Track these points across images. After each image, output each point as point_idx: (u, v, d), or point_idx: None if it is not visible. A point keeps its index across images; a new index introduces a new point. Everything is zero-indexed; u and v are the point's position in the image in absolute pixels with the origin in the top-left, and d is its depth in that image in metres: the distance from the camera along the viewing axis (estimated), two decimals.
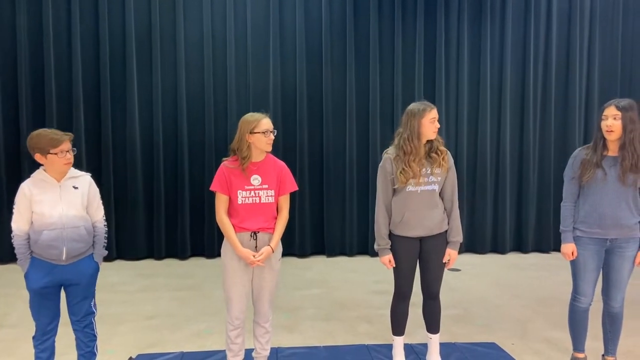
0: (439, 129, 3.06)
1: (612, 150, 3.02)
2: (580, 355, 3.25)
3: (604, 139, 3.03)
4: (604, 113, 3.00)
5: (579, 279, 3.13)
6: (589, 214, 3.06)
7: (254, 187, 2.91)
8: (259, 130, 2.84)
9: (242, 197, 2.89)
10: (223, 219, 2.90)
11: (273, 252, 2.91)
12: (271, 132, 2.89)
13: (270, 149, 2.92)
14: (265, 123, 2.87)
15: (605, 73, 6.82)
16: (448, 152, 3.13)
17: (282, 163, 3.04)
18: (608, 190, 3.01)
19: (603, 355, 3.29)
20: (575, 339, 3.24)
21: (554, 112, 6.74)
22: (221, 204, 2.92)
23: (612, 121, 2.94)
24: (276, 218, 2.97)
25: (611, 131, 2.95)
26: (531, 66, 6.63)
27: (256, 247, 2.89)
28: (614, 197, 3.00)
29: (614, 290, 3.11)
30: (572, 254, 3.11)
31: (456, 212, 3.12)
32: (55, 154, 2.71)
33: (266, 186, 2.92)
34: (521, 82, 6.70)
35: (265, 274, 2.94)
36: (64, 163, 2.75)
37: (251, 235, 2.89)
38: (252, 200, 2.90)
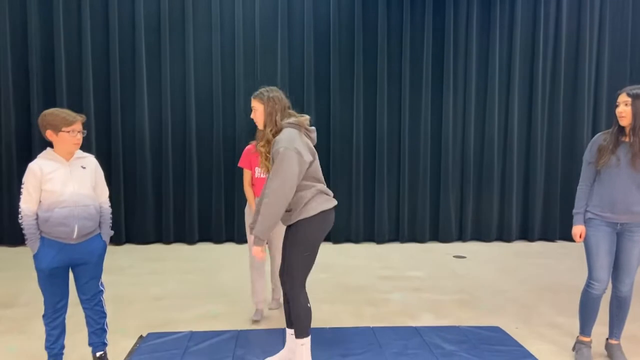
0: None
1: (628, 135, 3.07)
2: (586, 339, 3.28)
3: (620, 126, 3.09)
4: (617, 100, 3.08)
5: (593, 263, 3.16)
6: (602, 198, 3.14)
7: None
8: None
9: (258, 171, 3.79)
10: (247, 189, 3.84)
11: None
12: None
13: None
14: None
15: (614, 61, 6.77)
16: None
17: None
18: (621, 175, 3.07)
19: (607, 339, 3.32)
20: (583, 324, 3.28)
21: (562, 101, 6.71)
22: (246, 177, 3.85)
23: (623, 107, 3.03)
24: None
25: (622, 117, 3.03)
26: (540, 56, 6.59)
27: None
28: (627, 182, 3.05)
29: (622, 273, 3.14)
30: (580, 236, 3.18)
31: None
32: (68, 132, 2.76)
33: None
34: (529, 72, 6.67)
35: (277, 231, 3.77)
36: (73, 142, 2.79)
37: None
38: (265, 174, 3.67)
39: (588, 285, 3.20)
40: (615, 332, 3.26)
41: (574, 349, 3.35)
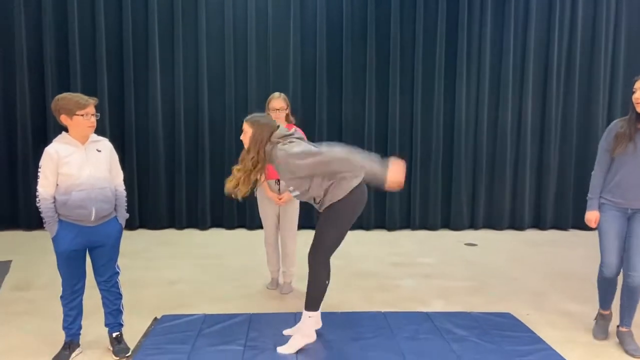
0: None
1: None
2: (606, 312, 3.42)
3: (637, 113, 3.08)
4: (634, 86, 3.07)
5: (603, 247, 3.26)
6: (616, 185, 3.19)
7: None
8: (271, 107, 3.95)
9: None
10: None
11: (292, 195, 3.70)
12: (278, 109, 3.91)
13: (281, 122, 3.76)
14: (275, 103, 3.94)
15: (631, 48, 6.65)
16: None
17: (299, 129, 3.67)
18: (637, 162, 3.09)
19: (618, 326, 3.33)
20: (601, 299, 3.42)
21: (577, 89, 6.62)
22: None
23: (639, 94, 3.02)
24: None
25: (639, 103, 3.04)
26: (555, 43, 6.47)
27: (279, 190, 3.98)
28: (639, 169, 3.08)
29: (634, 257, 3.14)
30: (595, 222, 3.26)
31: None
32: (82, 115, 2.79)
33: None
34: (544, 60, 6.56)
35: (287, 211, 4.03)
36: (88, 126, 2.83)
37: (276, 182, 3.97)
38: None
39: (600, 268, 3.30)
40: (625, 320, 3.28)
41: (595, 322, 3.48)
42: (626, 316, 3.27)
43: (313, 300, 3.01)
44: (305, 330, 3.06)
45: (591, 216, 3.28)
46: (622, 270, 3.23)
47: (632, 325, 3.28)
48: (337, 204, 2.96)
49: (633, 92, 3.06)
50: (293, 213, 4.07)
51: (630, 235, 3.18)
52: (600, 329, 3.41)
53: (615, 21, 6.59)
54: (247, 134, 2.98)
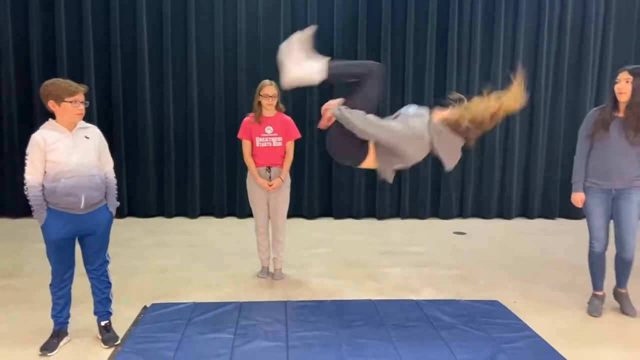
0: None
1: (622, 111, 3.35)
2: (599, 293, 3.64)
3: (616, 101, 3.37)
4: (618, 77, 3.34)
5: (591, 225, 3.55)
6: (597, 168, 3.47)
7: (268, 135, 3.97)
8: (262, 94, 3.90)
9: (259, 142, 3.98)
10: (247, 159, 4.03)
11: (282, 181, 4.00)
12: (270, 96, 3.89)
13: (271, 109, 3.96)
14: (267, 90, 3.89)
15: (620, 40, 6.68)
16: None
17: (289, 117, 4.08)
18: (614, 147, 3.37)
19: (616, 287, 3.63)
20: (594, 280, 3.64)
21: (566, 80, 6.65)
22: (246, 147, 4.01)
23: (624, 84, 3.29)
24: (284, 157, 4.03)
25: (622, 93, 3.30)
26: (545, 35, 6.50)
27: (270, 177, 4.00)
28: (619, 153, 3.35)
29: (625, 235, 3.44)
30: (581, 202, 3.54)
31: None
32: (70, 102, 2.75)
33: (276, 134, 3.99)
34: (534, 52, 6.58)
35: (277, 197, 4.06)
36: (76, 113, 2.79)
37: (266, 169, 4.00)
38: (266, 144, 3.98)
39: (590, 245, 3.58)
40: (622, 282, 3.60)
41: (589, 302, 3.65)
42: (622, 278, 3.59)
43: None
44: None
45: (577, 197, 3.56)
46: (616, 249, 3.53)
47: (628, 286, 3.61)
48: None
49: (615, 83, 3.32)
50: (283, 200, 4.10)
51: (617, 213, 3.45)
52: (595, 307, 3.58)
53: (605, 14, 6.61)
54: None
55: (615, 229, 3.50)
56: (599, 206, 3.48)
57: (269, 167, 3.98)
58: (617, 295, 3.66)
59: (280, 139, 3.99)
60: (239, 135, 4.05)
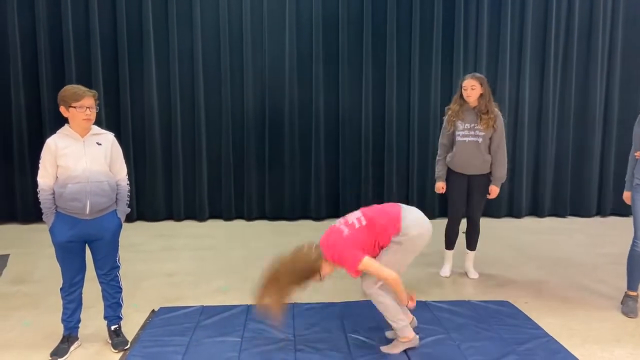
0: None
1: None
2: (633, 294, 3.58)
3: None
4: None
5: (636, 224, 3.45)
6: None
7: None
8: None
9: None
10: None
11: None
12: None
13: None
14: None
15: (628, 31, 6.62)
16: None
17: None
18: None
19: (626, 292, 3.59)
20: (630, 279, 3.56)
21: (574, 74, 6.60)
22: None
23: None
24: None
25: None
26: (552, 28, 6.45)
27: None
28: None
29: None
30: (627, 200, 3.58)
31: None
32: (75, 107, 2.77)
33: None
34: (542, 46, 6.54)
35: None
36: (82, 118, 2.81)
37: None
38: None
39: (633, 244, 3.48)
40: (632, 285, 3.55)
41: (622, 302, 3.59)
42: (633, 281, 3.52)
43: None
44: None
45: (624, 196, 3.62)
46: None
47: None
48: None
49: None
50: None
51: None
52: (631, 309, 3.51)
53: (613, 4, 6.55)
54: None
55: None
56: None
57: None
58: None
59: None
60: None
